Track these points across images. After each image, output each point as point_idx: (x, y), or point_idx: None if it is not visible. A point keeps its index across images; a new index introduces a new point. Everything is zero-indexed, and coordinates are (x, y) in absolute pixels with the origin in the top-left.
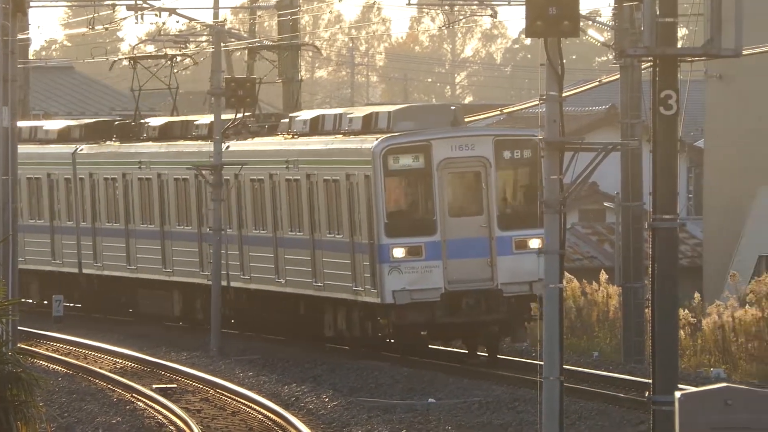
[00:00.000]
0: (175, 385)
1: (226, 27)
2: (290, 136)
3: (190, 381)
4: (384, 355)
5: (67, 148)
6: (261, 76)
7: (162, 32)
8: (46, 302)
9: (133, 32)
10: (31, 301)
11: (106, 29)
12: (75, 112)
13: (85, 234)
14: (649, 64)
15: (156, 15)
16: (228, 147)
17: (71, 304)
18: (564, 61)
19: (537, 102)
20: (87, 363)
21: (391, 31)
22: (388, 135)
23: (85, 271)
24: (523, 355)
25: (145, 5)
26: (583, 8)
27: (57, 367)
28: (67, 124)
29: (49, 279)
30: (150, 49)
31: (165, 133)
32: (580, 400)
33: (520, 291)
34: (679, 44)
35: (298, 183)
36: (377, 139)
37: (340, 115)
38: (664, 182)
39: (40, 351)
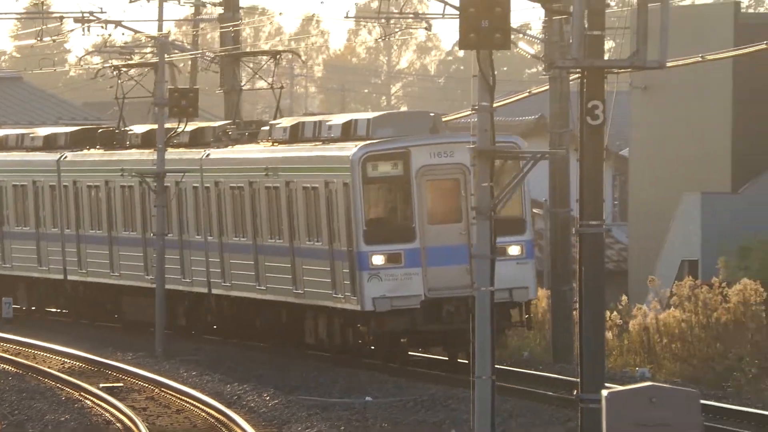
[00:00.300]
0: (121, 384)
1: (170, 39)
2: (270, 143)
3: (136, 380)
4: (321, 355)
5: (52, 156)
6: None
7: (108, 44)
8: (33, 308)
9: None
10: None
11: (54, 41)
12: (23, 122)
13: (69, 241)
14: (577, 75)
15: (102, 27)
16: (208, 155)
17: (58, 310)
18: (495, 72)
19: (470, 112)
20: (36, 363)
21: (330, 43)
22: (367, 142)
23: (70, 277)
24: (503, 362)
25: (91, 18)
26: (514, 21)
27: (7, 367)
28: (52, 131)
29: (35, 285)
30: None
31: (147, 141)
32: (511, 398)
33: (500, 298)
34: (606, 56)
35: (278, 190)
36: (356, 146)
37: (320, 122)
38: (590, 190)
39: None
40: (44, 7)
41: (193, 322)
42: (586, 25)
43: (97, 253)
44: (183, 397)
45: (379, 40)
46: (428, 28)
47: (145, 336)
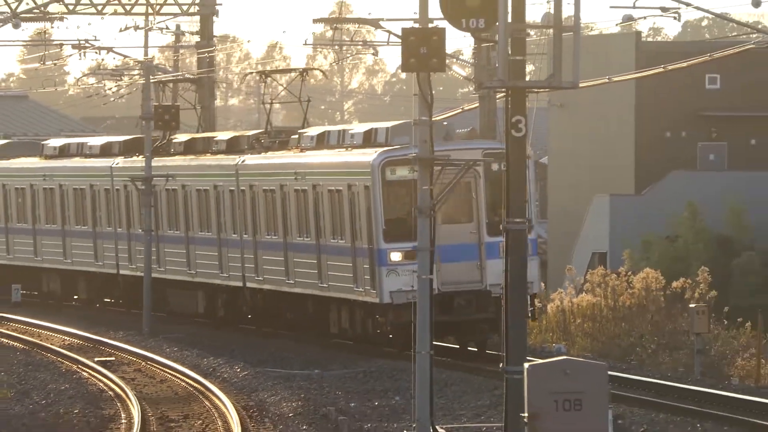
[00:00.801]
0: (113, 358)
1: (154, 63)
2: (299, 150)
3: (126, 355)
4: (285, 334)
5: (106, 162)
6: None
7: (101, 67)
8: (94, 302)
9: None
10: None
11: (55, 64)
12: (29, 134)
13: (121, 239)
14: (502, 94)
15: (96, 53)
16: (243, 161)
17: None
18: (433, 92)
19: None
20: (40, 340)
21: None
22: (386, 149)
23: (122, 272)
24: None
25: (86, 45)
26: (448, 48)
27: (15, 344)
28: (108, 140)
29: (92, 279)
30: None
31: (189, 148)
32: (447, 370)
33: None
34: (527, 78)
35: (306, 193)
36: (376, 152)
37: (343, 131)
38: (515, 192)
39: (3, 331)
40: (46, 36)
41: (229, 313)
42: (510, 52)
43: (142, 248)
44: (166, 369)
45: (333, 63)
46: (375, 54)
47: (136, 317)
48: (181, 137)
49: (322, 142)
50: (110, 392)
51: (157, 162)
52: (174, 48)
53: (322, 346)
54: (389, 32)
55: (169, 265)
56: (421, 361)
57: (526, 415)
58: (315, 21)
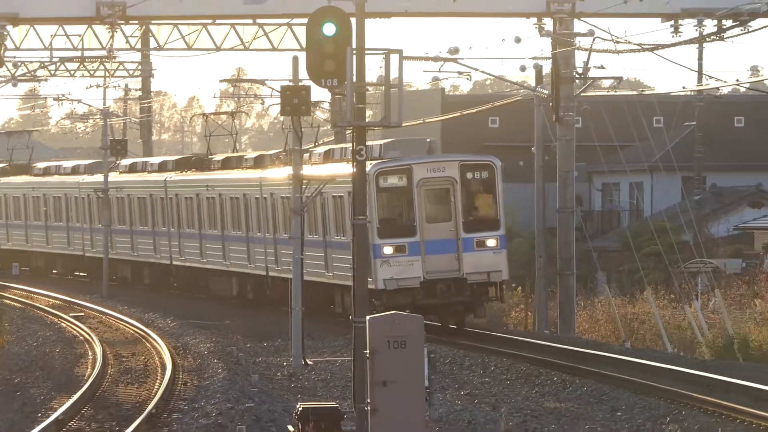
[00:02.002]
0: (82, 314)
1: (110, 110)
2: (310, 164)
3: (91, 312)
4: (206, 298)
5: (162, 177)
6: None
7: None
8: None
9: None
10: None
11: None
12: (24, 159)
13: (173, 237)
14: (350, 131)
15: (70, 103)
16: (265, 175)
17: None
18: (302, 129)
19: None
20: (32, 301)
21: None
22: (379, 161)
23: (174, 263)
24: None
25: (63, 98)
26: (314, 98)
27: (15, 304)
28: (163, 159)
29: (152, 268)
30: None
31: (225, 165)
32: (315, 322)
33: (480, 279)
34: (367, 119)
35: (314, 198)
36: (371, 164)
37: (344, 148)
38: (359, 200)
39: (6, 295)
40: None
41: (257, 295)
42: (354, 102)
43: (191, 245)
44: (119, 321)
45: (234, 112)
46: (263, 103)
47: (94, 285)
48: (218, 156)
49: (328, 156)
50: (80, 336)
51: (199, 175)
52: (124, 99)
53: (230, 305)
54: (272, 88)
55: (209, 257)
56: (296, 316)
57: (368, 351)
58: (221, 80)
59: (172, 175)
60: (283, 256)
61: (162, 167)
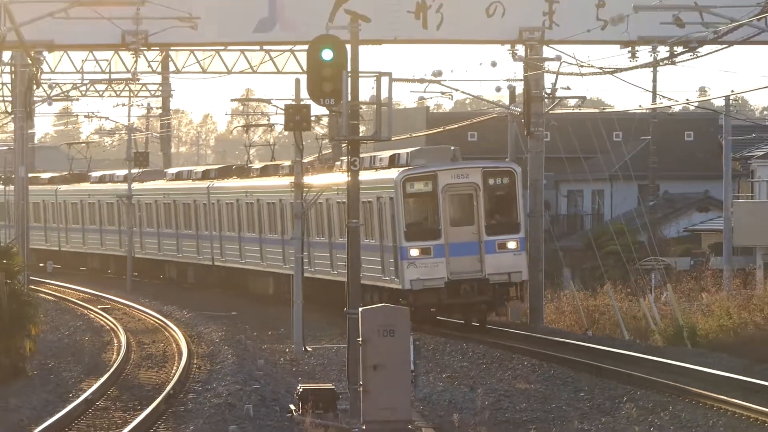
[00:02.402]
0: (109, 306)
1: (134, 126)
2: (341, 171)
3: (117, 305)
4: (212, 293)
5: (205, 184)
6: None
7: (102, 128)
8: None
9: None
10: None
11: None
12: (59, 170)
13: (215, 240)
14: (345, 144)
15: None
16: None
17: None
18: (303, 143)
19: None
20: (65, 295)
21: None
22: (406, 168)
23: (216, 263)
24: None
25: (93, 115)
26: (314, 114)
27: (50, 297)
28: (207, 168)
29: (195, 268)
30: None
31: (263, 173)
32: (314, 313)
33: (501, 279)
34: (361, 134)
35: (344, 204)
36: (398, 171)
37: (373, 156)
38: (353, 201)
39: (40, 289)
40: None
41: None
42: (349, 118)
43: (232, 247)
44: (141, 313)
45: (242, 126)
46: (268, 119)
47: (118, 282)
48: (257, 164)
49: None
50: (107, 326)
51: (239, 182)
52: (146, 117)
53: (239, 298)
54: (277, 107)
55: (248, 258)
56: (297, 308)
57: (360, 339)
58: (232, 100)
59: (215, 183)
60: (317, 257)
61: (205, 175)
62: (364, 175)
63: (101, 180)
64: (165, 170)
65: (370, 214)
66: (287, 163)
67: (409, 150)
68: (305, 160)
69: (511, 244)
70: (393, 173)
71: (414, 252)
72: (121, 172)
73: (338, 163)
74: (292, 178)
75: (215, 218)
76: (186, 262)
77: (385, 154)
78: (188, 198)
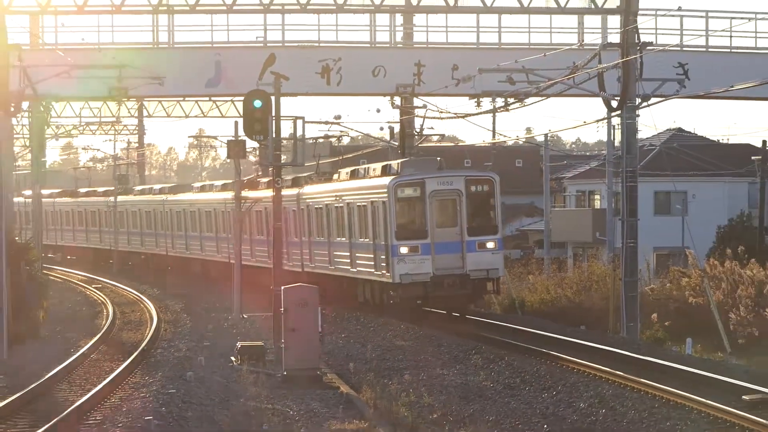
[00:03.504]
0: (100, 285)
1: (118, 155)
2: (339, 181)
3: (106, 284)
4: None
5: (294, 191)
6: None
7: (94, 157)
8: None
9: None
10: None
11: (73, 156)
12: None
13: (305, 246)
14: (271, 168)
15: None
16: (303, 190)
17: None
18: (241, 168)
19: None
20: (68, 278)
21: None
22: (397, 175)
23: (305, 269)
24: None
25: (88, 148)
26: (249, 146)
27: (57, 279)
28: (296, 175)
29: (269, 274)
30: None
31: (352, 175)
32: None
33: (480, 275)
34: (282, 161)
35: (342, 209)
36: (390, 179)
37: (368, 167)
38: (277, 209)
39: (51, 273)
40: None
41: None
42: (273, 149)
43: (321, 252)
44: (123, 290)
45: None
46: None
47: (107, 269)
48: (344, 170)
49: (354, 175)
50: (99, 299)
51: (325, 188)
52: (127, 149)
53: (226, 291)
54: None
55: (257, 256)
56: (237, 288)
57: (282, 309)
58: (189, 136)
59: (305, 189)
60: (317, 255)
61: (294, 183)
62: (360, 183)
63: (141, 192)
64: (192, 184)
65: (365, 217)
66: (376, 165)
67: (399, 161)
68: (302, 175)
69: (490, 244)
70: (385, 180)
71: (404, 249)
72: (157, 186)
73: (336, 175)
74: (297, 189)
75: (304, 223)
76: (257, 266)
77: (378, 165)
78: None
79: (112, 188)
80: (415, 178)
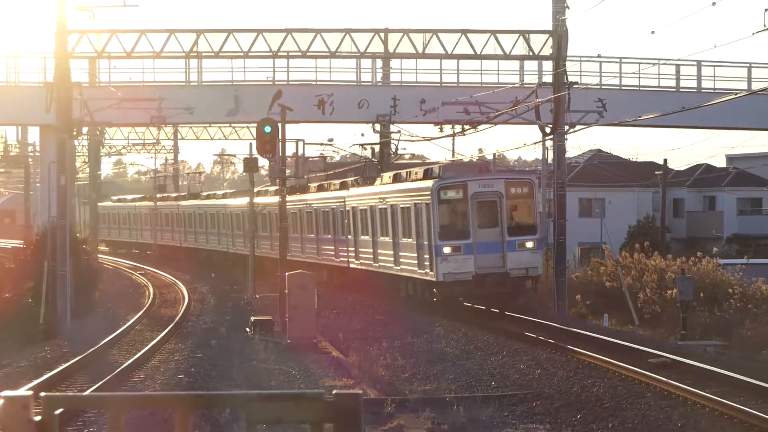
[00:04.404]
0: (143, 272)
1: (158, 169)
2: (381, 184)
3: (148, 271)
4: (208, 271)
5: (342, 193)
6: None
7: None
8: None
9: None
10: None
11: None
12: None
13: (350, 244)
14: (278, 179)
15: (138, 165)
16: (349, 192)
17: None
18: (254, 179)
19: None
20: (118, 266)
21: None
22: (440, 178)
23: (351, 266)
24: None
25: (134, 164)
26: (261, 163)
27: (109, 266)
28: (343, 180)
29: (318, 269)
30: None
31: (395, 179)
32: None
33: (520, 273)
34: (286, 174)
35: (386, 210)
36: (433, 181)
37: (409, 171)
38: (282, 211)
39: (105, 263)
40: (120, 160)
41: (341, 282)
42: (280, 164)
43: (366, 250)
44: (162, 276)
45: (219, 169)
46: (235, 166)
47: (148, 259)
48: (386, 174)
49: (396, 178)
50: (142, 282)
51: (370, 190)
52: (165, 164)
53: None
54: (240, 159)
55: (381, 261)
56: (251, 273)
57: (287, 291)
58: (213, 155)
59: (351, 191)
60: (362, 252)
61: (342, 186)
62: (403, 186)
63: (207, 197)
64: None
65: (408, 218)
66: (418, 169)
67: (441, 164)
68: (350, 179)
69: (529, 244)
70: (429, 183)
71: (447, 249)
72: (220, 192)
73: (378, 180)
74: (345, 191)
75: (349, 223)
76: (306, 261)
77: (419, 168)
78: (326, 206)
79: (184, 194)
80: (457, 180)
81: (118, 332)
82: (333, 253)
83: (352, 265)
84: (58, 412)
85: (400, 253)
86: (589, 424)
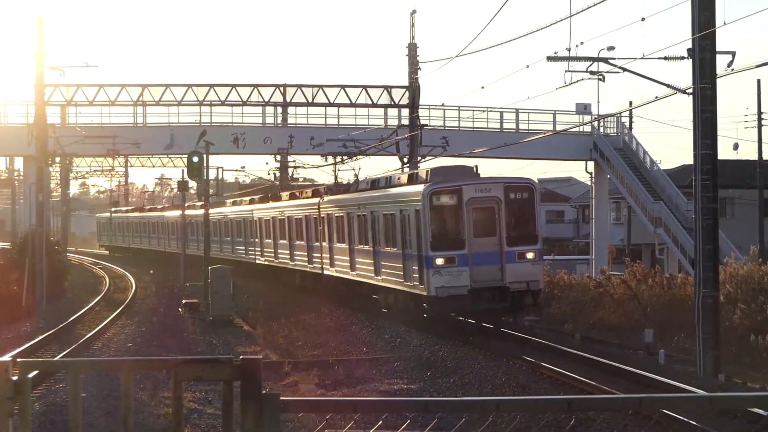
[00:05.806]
0: (102, 266)
1: (113, 191)
2: (358, 191)
3: (106, 266)
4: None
5: (315, 200)
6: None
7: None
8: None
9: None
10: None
11: (85, 191)
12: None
13: (325, 251)
14: (202, 197)
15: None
16: (323, 199)
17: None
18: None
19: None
20: (82, 262)
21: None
22: (432, 182)
23: (325, 272)
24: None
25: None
26: (190, 185)
27: (76, 263)
28: (315, 187)
29: (304, 276)
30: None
31: (373, 186)
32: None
33: (520, 287)
34: (210, 193)
35: (365, 217)
36: (425, 185)
37: (390, 176)
38: (206, 226)
39: (73, 261)
40: (85, 183)
41: (316, 287)
42: (205, 187)
43: (342, 258)
44: (116, 269)
45: (163, 191)
46: (173, 185)
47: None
48: (363, 181)
49: (374, 185)
50: (100, 275)
51: (347, 196)
52: (118, 186)
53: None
54: (175, 181)
55: (359, 269)
56: (182, 266)
57: (210, 281)
58: (155, 178)
59: (326, 198)
60: (338, 260)
61: (314, 194)
62: (386, 192)
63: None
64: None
65: (391, 225)
66: (403, 177)
67: (427, 168)
68: (320, 185)
69: (530, 255)
70: (419, 188)
71: (439, 261)
72: (230, 200)
73: (353, 186)
74: (318, 198)
75: (325, 231)
76: (295, 269)
77: (402, 174)
78: (299, 213)
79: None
80: (452, 185)
81: (81, 312)
82: (306, 258)
83: (326, 272)
84: (31, 375)
85: (382, 263)
86: (436, 379)
